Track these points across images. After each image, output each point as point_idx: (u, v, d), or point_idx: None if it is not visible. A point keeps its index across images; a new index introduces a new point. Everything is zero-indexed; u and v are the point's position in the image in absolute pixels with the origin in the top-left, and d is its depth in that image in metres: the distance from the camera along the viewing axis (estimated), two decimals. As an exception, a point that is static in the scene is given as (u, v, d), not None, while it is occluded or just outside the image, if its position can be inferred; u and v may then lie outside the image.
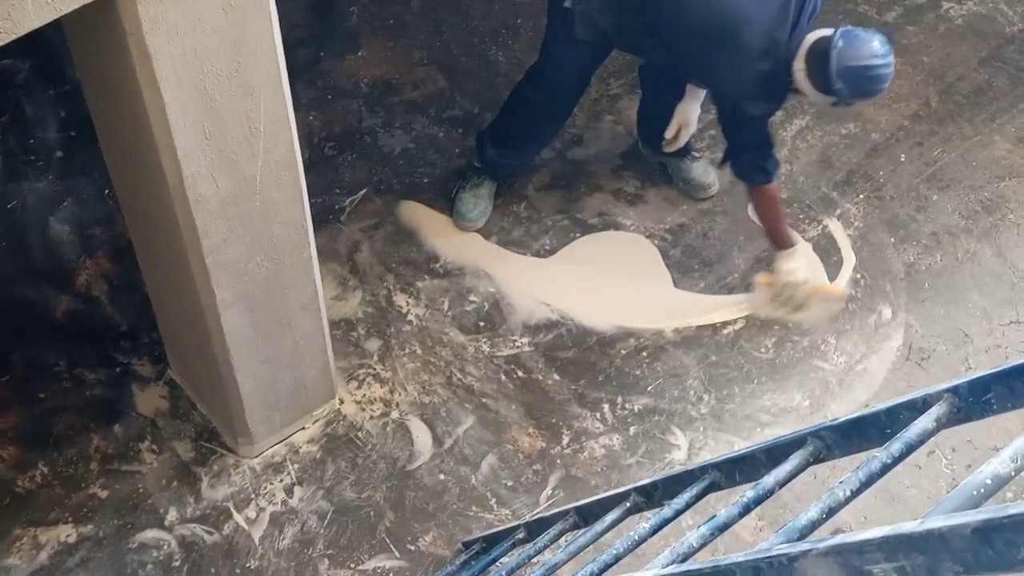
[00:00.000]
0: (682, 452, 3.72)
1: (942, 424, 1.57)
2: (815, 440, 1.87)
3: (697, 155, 4.26)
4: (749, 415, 3.80)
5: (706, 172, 4.26)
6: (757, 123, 3.67)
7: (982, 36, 4.72)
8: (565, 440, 3.72)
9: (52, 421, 3.67)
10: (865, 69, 3.32)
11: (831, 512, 1.53)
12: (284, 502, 3.56)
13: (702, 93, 3.95)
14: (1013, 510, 1.02)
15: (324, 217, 4.08)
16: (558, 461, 3.68)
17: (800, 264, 3.89)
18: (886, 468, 1.54)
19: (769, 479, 1.84)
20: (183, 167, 2.67)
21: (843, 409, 3.80)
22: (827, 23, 4.68)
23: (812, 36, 3.40)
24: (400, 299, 3.98)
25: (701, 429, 3.76)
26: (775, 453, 1.97)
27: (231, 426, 3.55)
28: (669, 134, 4.02)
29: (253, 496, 3.56)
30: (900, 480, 3.63)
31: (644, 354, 3.90)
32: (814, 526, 1.53)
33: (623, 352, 3.90)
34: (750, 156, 3.74)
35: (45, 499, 3.53)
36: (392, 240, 4.11)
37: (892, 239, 4.17)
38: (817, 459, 1.88)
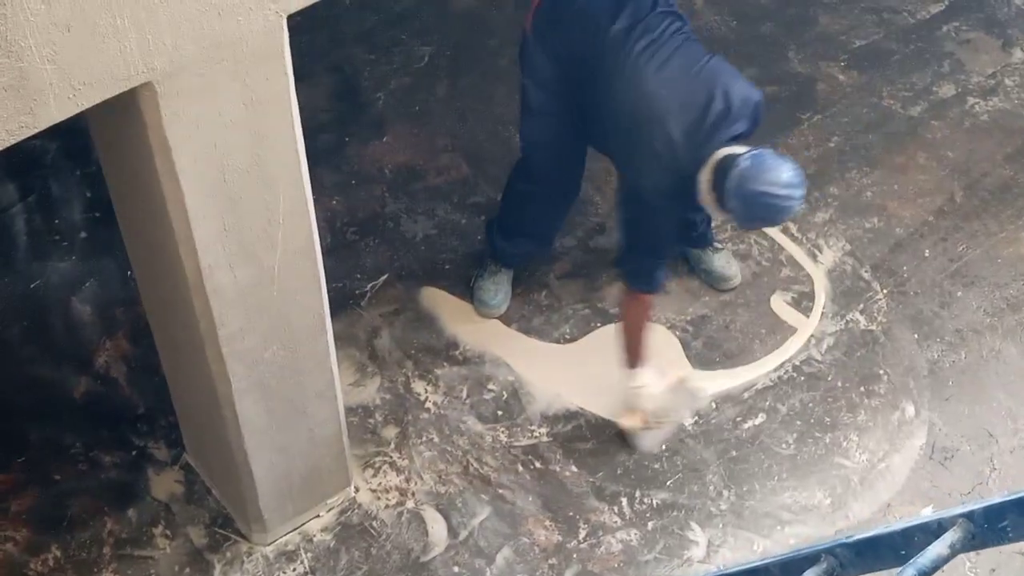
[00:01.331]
0: (700, 549, 3.66)
1: (956, 550, 1.54)
2: (829, 557, 1.83)
3: (719, 246, 4.25)
4: (769, 512, 3.74)
5: (728, 263, 4.24)
6: (655, 224, 3.52)
7: (1008, 132, 4.70)
8: (582, 534, 3.68)
9: (66, 503, 3.66)
10: (761, 195, 3.17)
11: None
12: (296, 591, 3.52)
13: None
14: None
15: (344, 302, 4.08)
16: (574, 556, 3.63)
17: (653, 379, 3.76)
18: (899, 596, 1.51)
19: (781, 597, 1.80)
20: (201, 257, 2.68)
21: (865, 508, 3.74)
22: (852, 116, 4.73)
23: (727, 150, 3.28)
24: (418, 386, 3.96)
25: (720, 526, 3.71)
26: (790, 568, 1.94)
27: (244, 513, 3.52)
28: None
29: (265, 585, 3.53)
30: (922, 583, 3.56)
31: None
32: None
33: (642, 445, 3.86)
34: (641, 260, 3.62)
35: (56, 583, 3.51)
36: (412, 326, 4.10)
37: (916, 335, 4.13)
38: (831, 576, 1.84)
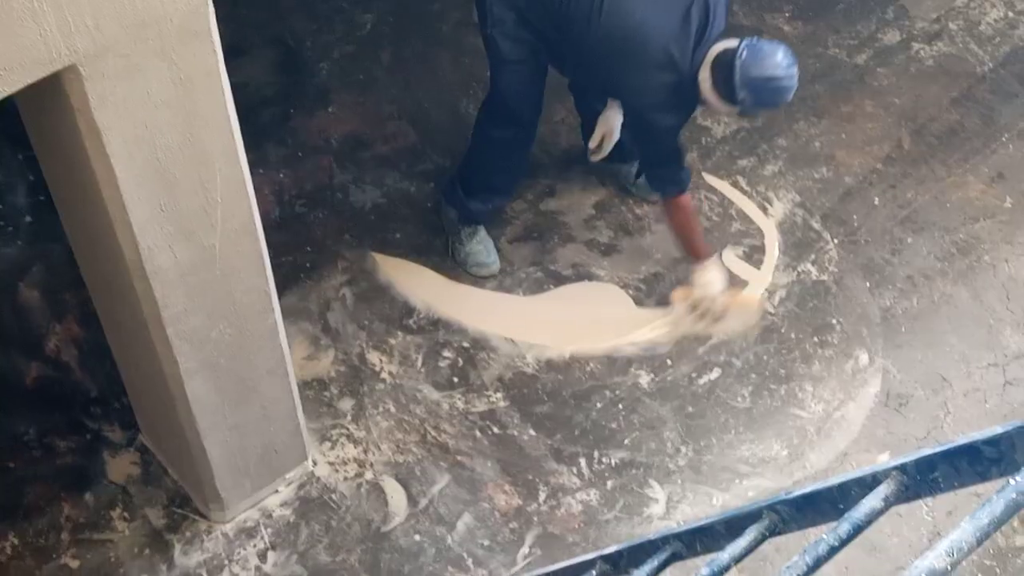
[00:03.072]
0: (660, 506, 3.67)
1: (890, 502, 1.54)
2: (771, 513, 1.83)
3: None
4: (727, 466, 3.76)
5: None
6: (667, 135, 3.72)
7: (953, 76, 4.71)
8: (542, 496, 3.68)
9: (22, 491, 3.63)
10: (767, 81, 3.42)
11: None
12: (258, 568, 3.52)
13: None
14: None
15: (295, 275, 4.05)
16: (535, 518, 3.64)
17: (716, 276, 3.92)
18: (833, 551, 1.51)
19: (724, 555, 1.81)
20: (139, 239, 2.65)
21: (822, 458, 3.77)
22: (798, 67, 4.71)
23: (718, 47, 3.48)
24: (373, 356, 3.95)
25: (679, 482, 3.72)
26: (733, 525, 1.94)
27: (202, 492, 3.51)
28: (593, 144, 4.08)
29: (226, 562, 3.52)
30: (882, 529, 3.59)
31: (620, 406, 3.86)
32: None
33: (599, 405, 3.86)
34: (663, 169, 3.82)
35: (15, 571, 3.48)
36: (364, 297, 4.08)
37: (867, 283, 4.15)
38: (774, 532, 1.84)
